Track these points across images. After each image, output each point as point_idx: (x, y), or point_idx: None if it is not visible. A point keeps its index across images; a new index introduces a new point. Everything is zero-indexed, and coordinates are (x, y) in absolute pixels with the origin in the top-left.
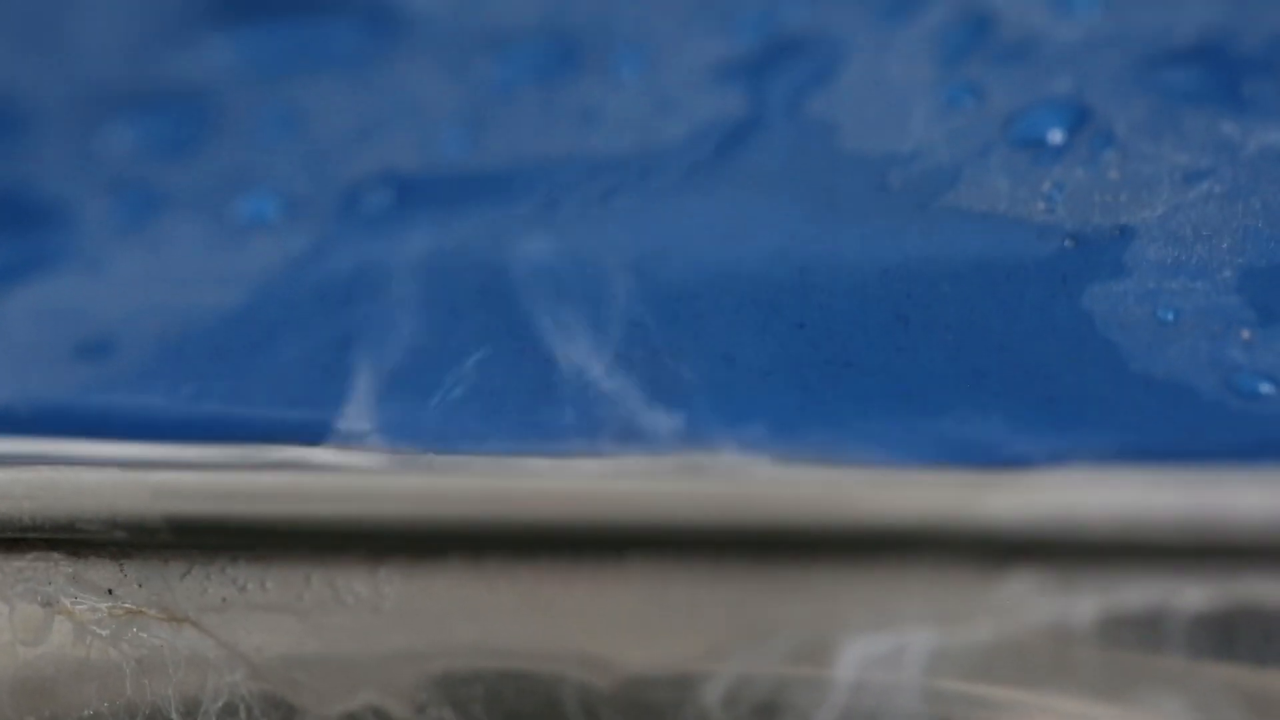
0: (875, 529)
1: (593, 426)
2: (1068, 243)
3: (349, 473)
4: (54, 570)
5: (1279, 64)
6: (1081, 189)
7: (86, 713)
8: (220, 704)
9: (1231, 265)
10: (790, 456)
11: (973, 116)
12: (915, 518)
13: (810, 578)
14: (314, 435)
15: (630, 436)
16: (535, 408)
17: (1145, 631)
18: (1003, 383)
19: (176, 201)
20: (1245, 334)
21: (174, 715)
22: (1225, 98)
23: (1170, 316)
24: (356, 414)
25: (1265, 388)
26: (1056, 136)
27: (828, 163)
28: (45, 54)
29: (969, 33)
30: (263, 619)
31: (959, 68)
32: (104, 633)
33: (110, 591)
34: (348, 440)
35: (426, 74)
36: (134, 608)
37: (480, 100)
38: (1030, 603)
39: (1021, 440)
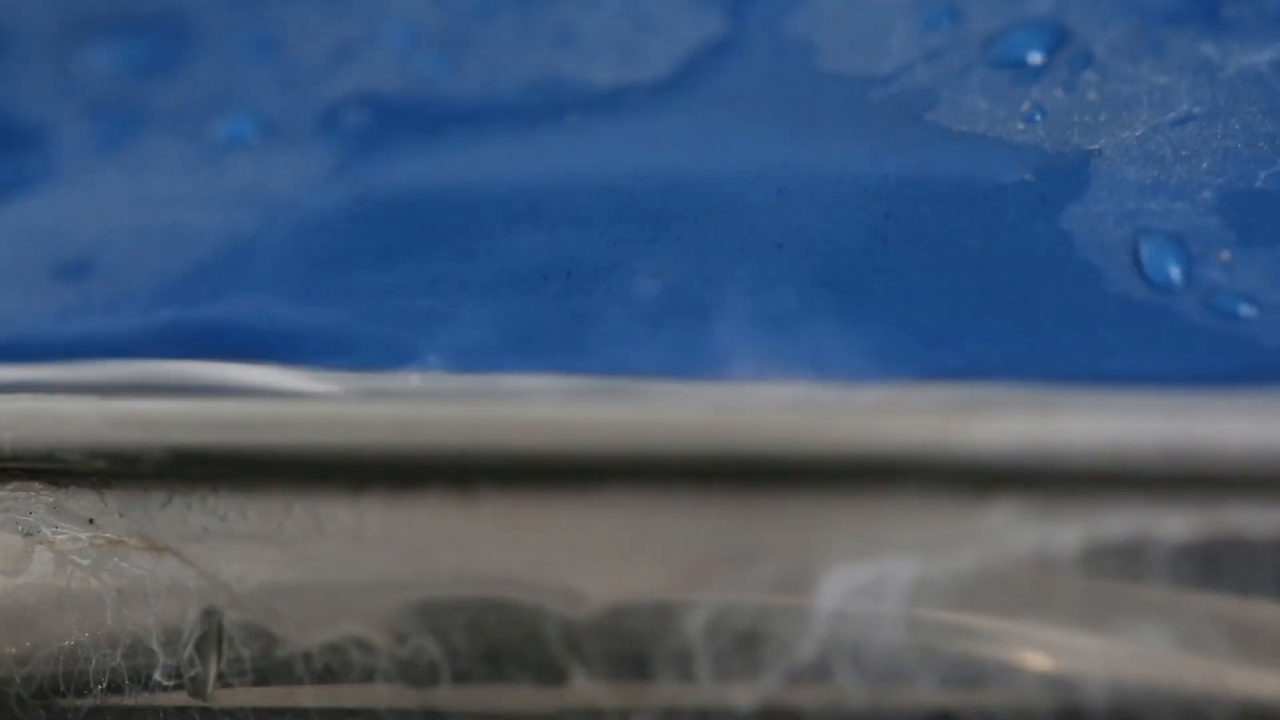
0: (856, 458)
1: (571, 349)
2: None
3: (329, 401)
4: (34, 500)
5: None
6: (1060, 109)
7: (67, 642)
8: (201, 633)
9: (1211, 186)
10: (771, 376)
11: (951, 37)
12: (897, 446)
13: (791, 507)
14: (294, 356)
15: (610, 358)
16: (514, 330)
17: (1128, 560)
18: (981, 302)
19: (153, 123)
20: (1225, 254)
21: (155, 645)
22: (1204, 19)
23: (1149, 236)
24: (336, 337)
25: (1244, 308)
26: (1035, 57)
27: (806, 82)
28: None
29: None
30: (244, 548)
31: None
32: (85, 562)
33: (91, 521)
34: (328, 364)
35: None
36: (115, 537)
37: (457, 21)
38: (1012, 531)
39: (999, 360)
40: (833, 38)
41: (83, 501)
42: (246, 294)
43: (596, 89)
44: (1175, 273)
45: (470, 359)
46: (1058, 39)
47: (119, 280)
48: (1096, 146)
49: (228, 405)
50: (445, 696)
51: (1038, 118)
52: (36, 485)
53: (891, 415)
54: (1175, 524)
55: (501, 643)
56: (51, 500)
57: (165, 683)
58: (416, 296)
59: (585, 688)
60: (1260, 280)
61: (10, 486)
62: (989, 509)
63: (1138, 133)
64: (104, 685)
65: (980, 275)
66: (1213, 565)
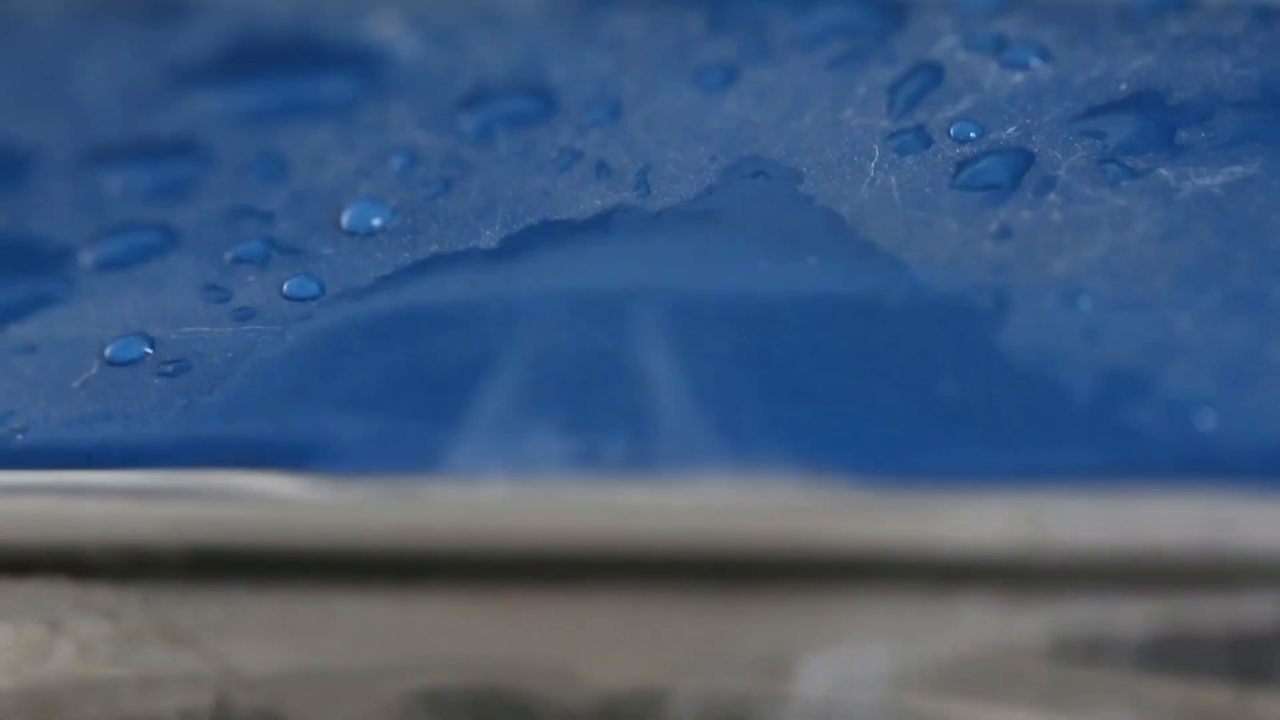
0: (834, 552)
1: (562, 456)
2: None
3: (337, 504)
4: (58, 594)
5: (1210, 112)
6: (1027, 230)
7: None
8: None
9: (1168, 301)
10: (752, 482)
11: (924, 162)
12: (872, 541)
13: (772, 599)
14: (302, 463)
15: (597, 465)
16: (514, 435)
17: (1090, 648)
18: (952, 412)
19: (171, 244)
20: (1182, 365)
21: None
22: (1160, 145)
23: (1110, 350)
24: (343, 442)
25: (1201, 414)
26: (1003, 181)
27: (788, 205)
28: (44, 105)
29: (920, 84)
30: (258, 639)
31: (911, 116)
32: (106, 652)
33: (112, 613)
34: (334, 467)
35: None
36: (135, 629)
37: (456, 148)
38: (981, 622)
39: (971, 466)
40: (813, 165)
41: (105, 595)
42: (260, 404)
43: (591, 212)
44: (1132, 382)
45: (473, 465)
46: (1022, 164)
47: (137, 391)
48: (1062, 264)
49: (240, 507)
50: None
51: (1006, 237)
52: (60, 580)
53: (864, 514)
54: (1134, 614)
55: None
56: (74, 594)
57: None
58: (426, 401)
59: None
60: (1215, 388)
61: (35, 581)
62: (959, 600)
63: (1099, 251)
64: None
65: (951, 387)
66: (1169, 652)
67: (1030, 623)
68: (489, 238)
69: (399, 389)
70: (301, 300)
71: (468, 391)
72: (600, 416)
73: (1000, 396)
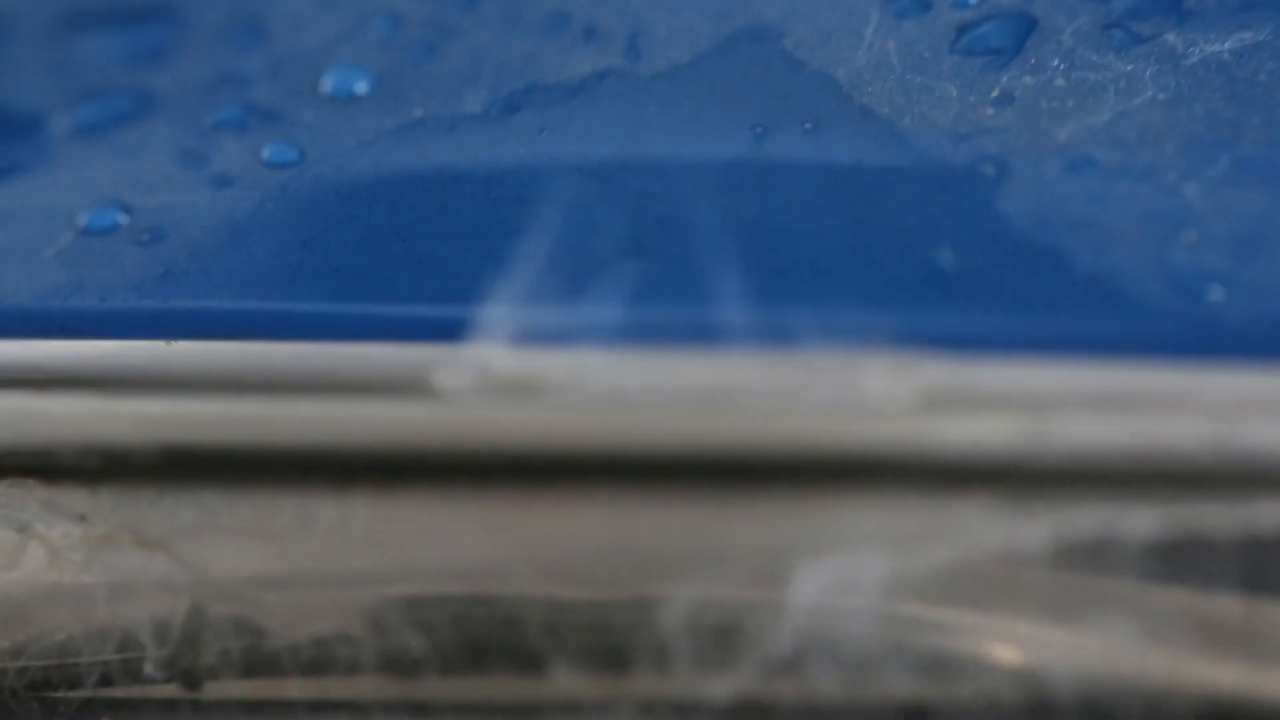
0: (828, 456)
1: (556, 322)
2: (988, 170)
3: (316, 400)
4: (28, 496)
5: None
6: (1029, 96)
7: (60, 636)
8: (191, 627)
9: (1175, 169)
10: (748, 355)
11: (924, 27)
12: (867, 445)
13: (766, 504)
14: (282, 331)
15: (589, 335)
16: (499, 304)
17: (1095, 555)
18: (952, 283)
19: (146, 106)
20: (1189, 235)
21: (145, 639)
22: (1168, 9)
23: (1116, 219)
24: (324, 317)
25: (1208, 286)
26: (1005, 46)
27: (783, 71)
28: None
29: None
30: (233, 544)
31: None
32: (77, 557)
33: (83, 517)
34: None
35: None
36: (106, 533)
37: (441, 10)
38: (983, 527)
39: (970, 339)
40: (809, 29)
41: (75, 498)
42: (236, 275)
43: (577, 75)
44: (1141, 253)
45: (455, 330)
46: (1025, 27)
47: (112, 261)
48: (1065, 131)
49: (218, 404)
50: (428, 688)
51: (1007, 103)
52: (30, 482)
53: (863, 415)
54: (1141, 520)
55: (483, 636)
56: (44, 497)
57: (156, 675)
58: (400, 273)
59: (565, 679)
60: (1224, 259)
61: (4, 483)
62: (960, 505)
63: (1104, 118)
64: (96, 678)
65: (953, 257)
66: (1177, 560)
67: (1032, 529)
68: (474, 103)
69: (382, 261)
70: (281, 167)
71: (453, 264)
72: (588, 289)
73: (1003, 264)
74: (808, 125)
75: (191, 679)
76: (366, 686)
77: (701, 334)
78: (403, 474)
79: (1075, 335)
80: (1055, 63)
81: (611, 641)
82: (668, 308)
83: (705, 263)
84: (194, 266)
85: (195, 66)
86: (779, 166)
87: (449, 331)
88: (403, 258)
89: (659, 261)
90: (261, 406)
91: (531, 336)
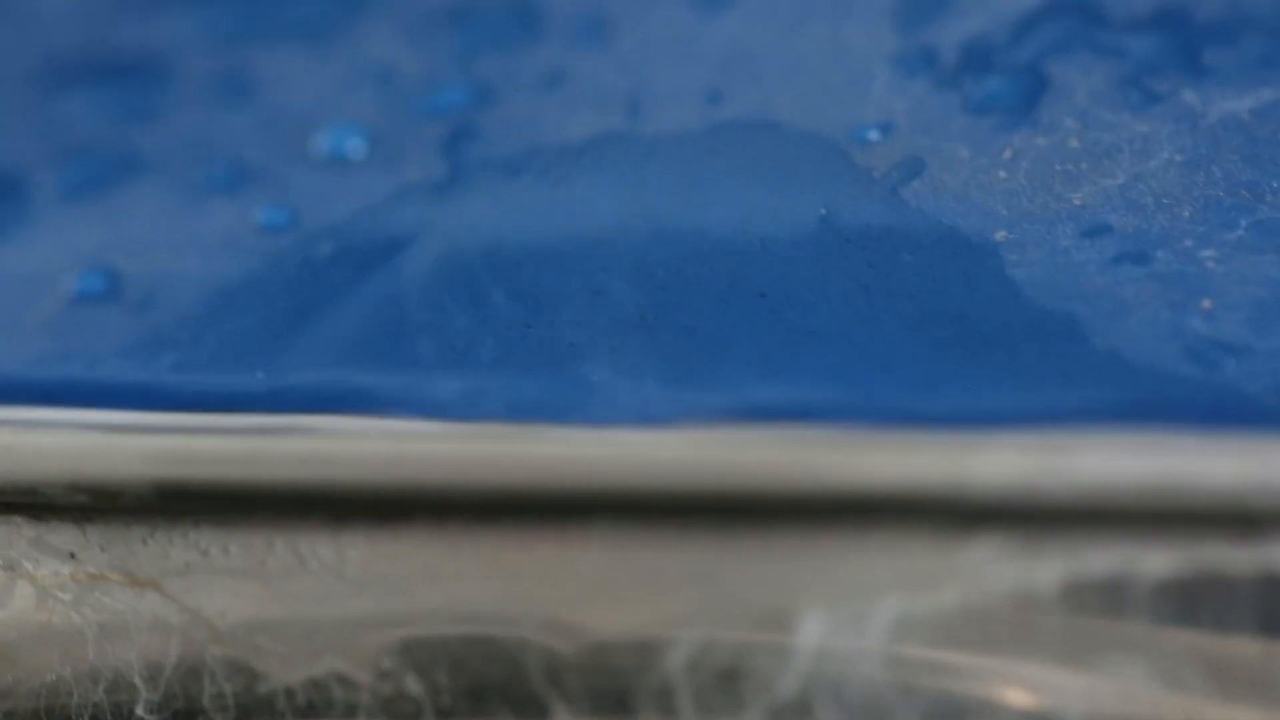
0: (838, 495)
1: (554, 395)
2: (1001, 235)
3: (312, 437)
4: (16, 534)
5: (1237, 32)
6: (1042, 158)
7: (48, 677)
8: (183, 669)
9: (1192, 234)
10: (752, 426)
11: (933, 86)
12: (878, 483)
13: (773, 544)
14: (276, 402)
15: (593, 405)
16: (496, 375)
17: (1108, 597)
18: (964, 352)
19: (136, 169)
20: (1206, 303)
21: (137, 680)
22: (1185, 66)
23: (1131, 286)
24: (318, 380)
25: (1225, 355)
26: (1016, 105)
27: (789, 134)
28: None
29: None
30: (226, 584)
31: (918, 36)
32: (66, 597)
33: (73, 555)
34: (311, 407)
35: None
36: (97, 572)
37: (445, 67)
38: (994, 569)
39: (983, 409)
40: (816, 88)
41: (64, 536)
42: (227, 339)
43: (581, 138)
44: (1157, 321)
45: (452, 405)
46: (1038, 87)
47: (100, 325)
48: (1078, 194)
49: (210, 440)
50: None
51: (1019, 166)
52: (18, 519)
53: (875, 453)
54: (1155, 561)
55: (483, 679)
56: (33, 534)
57: (148, 717)
58: (399, 342)
59: None
60: (1240, 327)
61: None
62: (971, 546)
63: (1119, 181)
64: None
65: (963, 324)
66: (1192, 603)
67: (1045, 570)
68: (472, 165)
69: (375, 325)
70: (272, 231)
71: (449, 328)
72: (589, 353)
73: (1016, 333)
74: (814, 189)
75: None
76: None
77: (704, 402)
78: (400, 513)
79: (1089, 405)
80: (1069, 123)
81: (615, 684)
82: (670, 378)
83: (709, 331)
84: (184, 334)
85: (184, 126)
86: (784, 231)
87: (450, 403)
88: (402, 327)
89: (661, 327)
90: (255, 444)
91: (530, 406)
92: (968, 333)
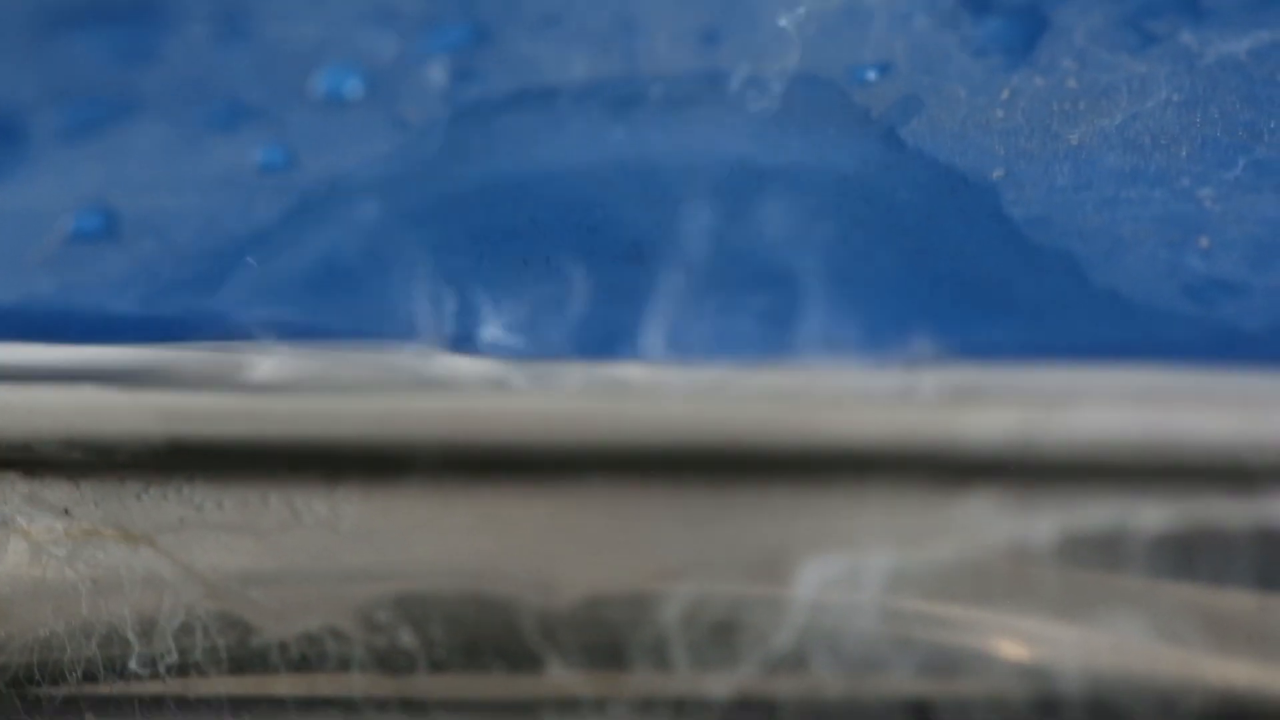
0: (832, 449)
1: (550, 332)
2: (998, 173)
3: (305, 392)
4: (9, 490)
5: None
6: (1040, 97)
7: (42, 632)
8: (177, 624)
9: (1190, 173)
10: (746, 371)
11: (931, 26)
12: (874, 437)
13: (767, 497)
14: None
15: (588, 343)
16: (492, 311)
17: (1104, 551)
18: (961, 288)
19: (133, 106)
20: (1203, 241)
21: (130, 635)
22: (1182, 8)
23: (1128, 224)
24: (312, 319)
25: (1222, 293)
26: (1015, 46)
27: (786, 73)
28: None
29: None
30: (220, 539)
31: None
32: (60, 552)
33: (66, 511)
34: (302, 340)
35: None
36: (90, 527)
37: (450, 10)
38: (989, 522)
39: (980, 345)
40: (810, 29)
41: (58, 491)
42: (222, 278)
43: (577, 78)
44: (1153, 259)
45: (447, 342)
46: (1037, 27)
47: (98, 263)
48: (1076, 134)
49: (203, 396)
50: (421, 686)
51: (1016, 105)
52: (11, 475)
53: (868, 407)
54: (1151, 515)
55: (478, 633)
56: (27, 490)
57: (141, 672)
58: (392, 280)
59: (561, 677)
60: (1237, 265)
61: None
62: (966, 499)
63: (1116, 120)
64: (80, 674)
65: (959, 261)
66: (1188, 555)
67: (1040, 524)
68: (466, 103)
69: (370, 263)
70: (270, 170)
71: (444, 266)
72: (584, 290)
73: (1013, 271)
74: (810, 127)
75: (177, 675)
76: (357, 684)
77: (699, 342)
78: (394, 468)
79: (1087, 342)
80: (1067, 63)
81: (609, 638)
82: (664, 315)
83: (704, 269)
84: (183, 271)
85: (181, 67)
86: (779, 169)
87: (446, 336)
88: (398, 261)
89: (656, 267)
90: (249, 400)
91: (527, 342)
92: (964, 269)
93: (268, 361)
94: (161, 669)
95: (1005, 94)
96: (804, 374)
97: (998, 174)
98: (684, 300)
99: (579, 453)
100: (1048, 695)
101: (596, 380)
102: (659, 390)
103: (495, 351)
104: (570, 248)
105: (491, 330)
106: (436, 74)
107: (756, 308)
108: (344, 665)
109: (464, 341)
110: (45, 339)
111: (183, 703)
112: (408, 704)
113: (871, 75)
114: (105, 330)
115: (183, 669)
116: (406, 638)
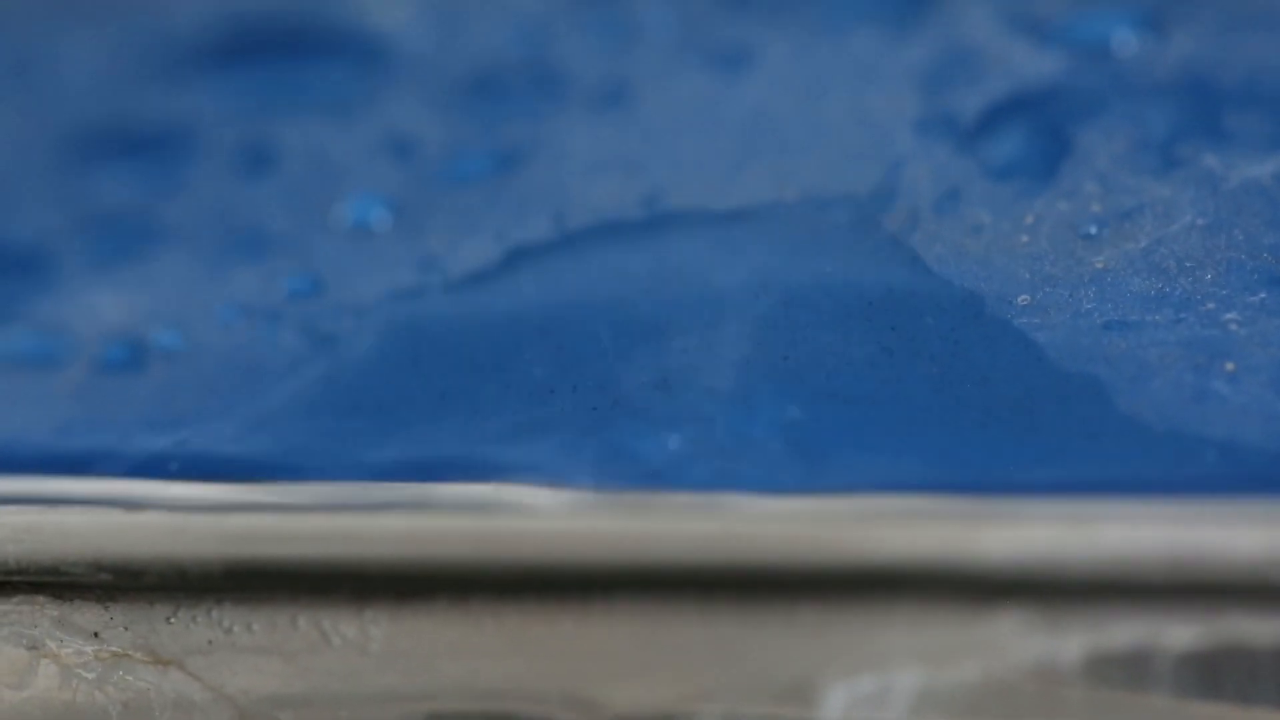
0: (861, 568)
1: (577, 460)
2: (1023, 299)
3: (333, 514)
4: (39, 613)
5: (1259, 97)
6: (1064, 222)
7: None
8: None
9: (1215, 297)
10: (775, 490)
11: (954, 151)
12: (901, 556)
13: (796, 617)
14: (301, 473)
15: (616, 472)
16: (520, 440)
17: (1132, 670)
18: (986, 415)
19: (161, 242)
20: (1229, 366)
21: None
22: (1206, 131)
23: (1154, 349)
24: (338, 454)
25: (1248, 419)
26: (1038, 170)
27: (811, 199)
28: (27, 97)
29: (950, 66)
30: (249, 661)
31: (939, 101)
32: (90, 676)
33: (96, 634)
34: (337, 476)
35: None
36: (120, 650)
37: (468, 136)
38: (1017, 642)
39: (1005, 473)
40: (835, 152)
41: (88, 615)
42: (251, 412)
43: (603, 206)
44: (1179, 384)
45: (474, 472)
46: (1060, 150)
47: (123, 394)
48: (1101, 258)
49: (232, 519)
50: None
51: (1041, 230)
52: (41, 599)
53: (897, 526)
54: (1179, 634)
55: None
56: (56, 614)
57: None
58: (422, 411)
59: None
60: (1263, 390)
61: (15, 600)
62: (993, 619)
63: (1141, 245)
64: None
65: (985, 388)
66: (1216, 675)
67: (1067, 643)
68: (492, 238)
69: (397, 396)
70: (298, 299)
71: (473, 395)
72: (612, 417)
73: (1038, 397)
74: (836, 253)
75: None
76: None
77: (725, 467)
78: (422, 590)
79: (1113, 468)
80: (1090, 187)
81: None
82: (693, 442)
83: (732, 394)
84: (211, 404)
85: (210, 198)
86: (806, 294)
87: (474, 470)
88: (424, 393)
89: (681, 393)
90: (277, 521)
91: (553, 472)
92: (990, 396)
93: (295, 488)
94: None
95: (1029, 219)
96: (831, 498)
97: (1023, 299)
98: (709, 425)
99: (606, 574)
100: None
101: (623, 504)
102: (685, 512)
103: (520, 478)
104: (595, 375)
105: (518, 455)
106: (462, 203)
107: (783, 432)
108: None
109: (490, 467)
110: (73, 471)
111: None
112: None
113: (896, 200)
114: (132, 461)
115: None
116: None
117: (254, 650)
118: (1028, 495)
